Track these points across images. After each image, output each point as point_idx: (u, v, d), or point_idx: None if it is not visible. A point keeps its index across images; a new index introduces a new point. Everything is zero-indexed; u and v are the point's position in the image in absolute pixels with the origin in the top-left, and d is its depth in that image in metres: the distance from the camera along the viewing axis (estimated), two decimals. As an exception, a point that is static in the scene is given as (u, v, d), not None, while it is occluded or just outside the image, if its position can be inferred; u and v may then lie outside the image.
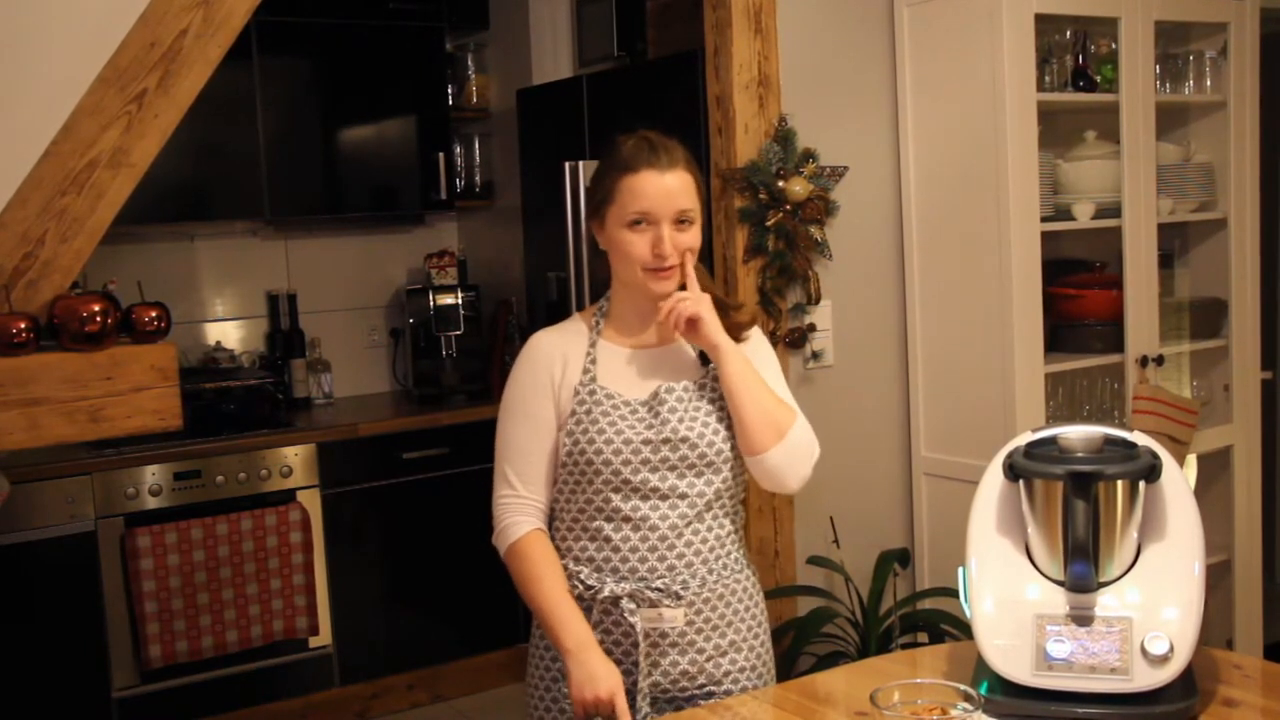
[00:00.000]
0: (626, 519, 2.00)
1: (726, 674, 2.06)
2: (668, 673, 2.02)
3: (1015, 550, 1.90)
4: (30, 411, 1.94)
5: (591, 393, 2.03)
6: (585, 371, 2.05)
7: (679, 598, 2.00)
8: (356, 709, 4.21)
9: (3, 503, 3.44)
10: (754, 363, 2.12)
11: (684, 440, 2.00)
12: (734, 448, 2.05)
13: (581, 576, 2.03)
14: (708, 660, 2.04)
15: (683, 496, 2.01)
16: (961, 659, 2.01)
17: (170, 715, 3.87)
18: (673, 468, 2.00)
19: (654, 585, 1.99)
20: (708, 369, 2.07)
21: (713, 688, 2.05)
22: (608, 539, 2.01)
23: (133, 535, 3.76)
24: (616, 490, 2.00)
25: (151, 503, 3.84)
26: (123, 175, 2.03)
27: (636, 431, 2.00)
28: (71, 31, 1.98)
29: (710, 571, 2.03)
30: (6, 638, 3.63)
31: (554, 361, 2.06)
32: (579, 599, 2.01)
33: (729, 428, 2.04)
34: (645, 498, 2.00)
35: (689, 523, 2.01)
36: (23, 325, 1.94)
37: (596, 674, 1.92)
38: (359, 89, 4.51)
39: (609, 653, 2.00)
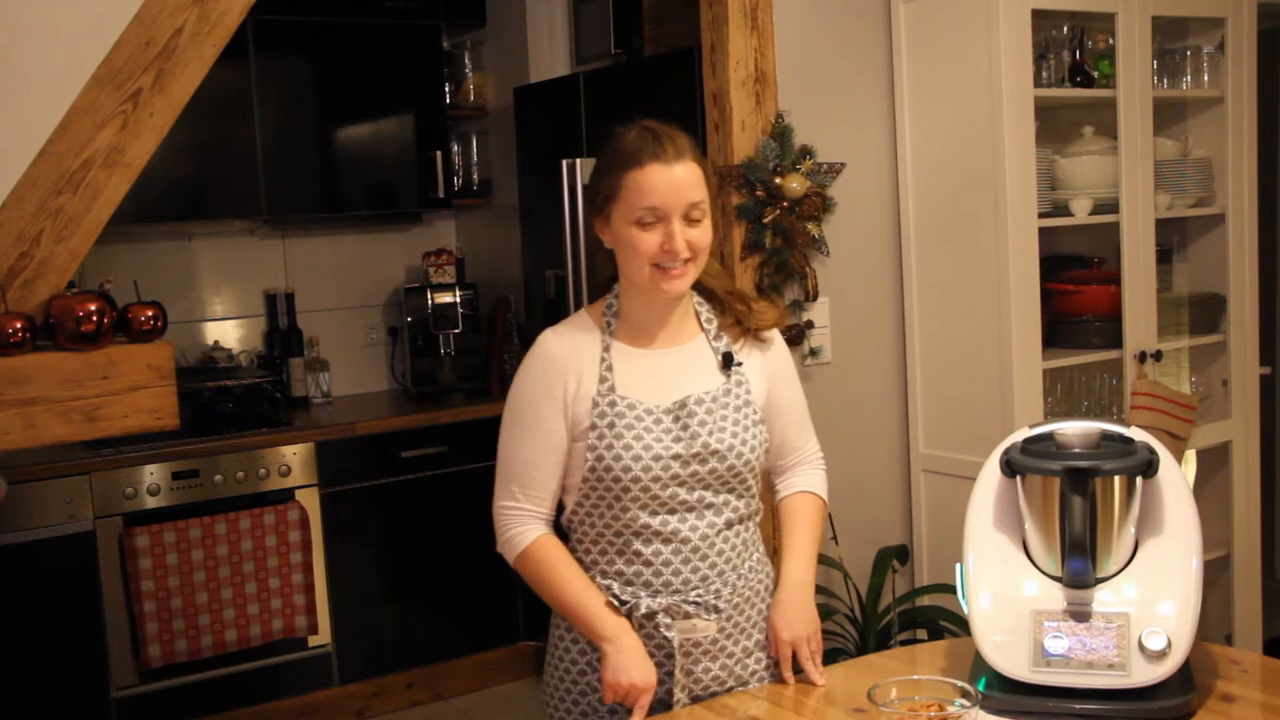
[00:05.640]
0: (656, 533, 1.95)
1: (753, 674, 2.05)
2: (699, 680, 2.00)
3: (1013, 546, 1.90)
4: (26, 411, 1.94)
5: (612, 404, 1.94)
6: (602, 380, 1.96)
7: (717, 610, 1.97)
8: (356, 708, 4.21)
9: (0, 502, 3.45)
10: (777, 378, 2.09)
11: (714, 453, 1.94)
12: (759, 459, 2.01)
13: (614, 591, 1.97)
14: (736, 664, 2.03)
15: (710, 507, 1.97)
16: (960, 655, 2.01)
17: (169, 715, 3.87)
18: (701, 480, 1.95)
19: (690, 599, 1.96)
20: (730, 374, 2.02)
21: (740, 689, 2.03)
22: (638, 553, 1.96)
23: (131, 535, 3.76)
24: (644, 506, 1.94)
25: (150, 502, 3.84)
26: (118, 174, 2.03)
27: (665, 445, 1.93)
28: (66, 31, 1.98)
29: (739, 578, 2.01)
30: (6, 638, 3.63)
31: (566, 372, 1.96)
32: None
33: (754, 438, 2.00)
34: (674, 511, 1.95)
35: (719, 532, 1.98)
36: (19, 325, 1.94)
37: (636, 662, 1.89)
38: (356, 87, 4.51)
39: None
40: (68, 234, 2.01)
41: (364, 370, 4.88)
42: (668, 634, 1.95)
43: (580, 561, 2.02)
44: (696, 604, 1.96)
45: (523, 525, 1.99)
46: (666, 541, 1.95)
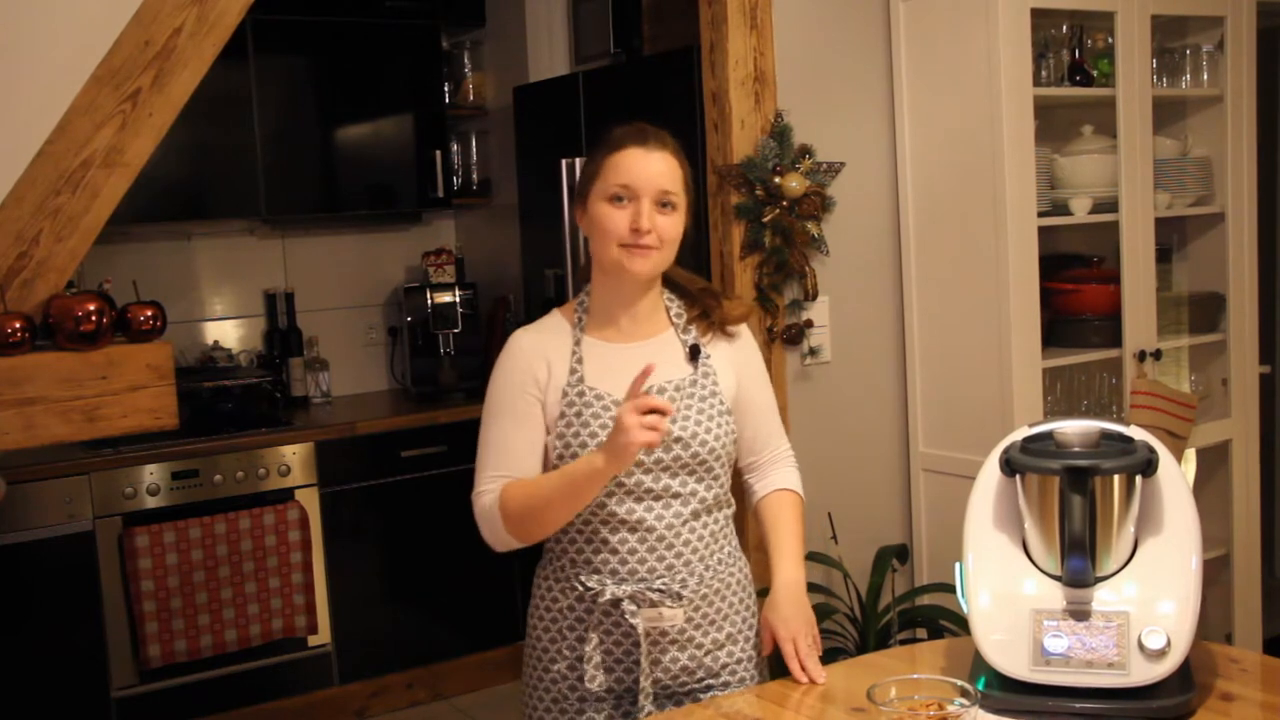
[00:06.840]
0: (623, 521, 1.98)
1: (724, 666, 2.07)
2: (668, 669, 2.02)
3: (1012, 545, 1.90)
4: (26, 411, 1.94)
5: (580, 394, 1.99)
6: (572, 372, 2.01)
7: (680, 598, 1.99)
8: (356, 707, 4.21)
9: (0, 502, 3.45)
10: (746, 374, 2.11)
11: (678, 440, 1.97)
12: (725, 448, 2.03)
13: (580, 579, 2.00)
14: (706, 655, 2.04)
15: (676, 496, 1.99)
16: (960, 654, 2.01)
17: (169, 715, 3.87)
18: (666, 468, 1.98)
19: (654, 586, 1.98)
20: (697, 365, 2.05)
21: (711, 680, 2.06)
22: (604, 541, 1.99)
23: (131, 535, 3.76)
24: (610, 494, 1.97)
25: (150, 502, 3.84)
26: (117, 174, 2.03)
27: None
28: (65, 31, 1.98)
29: (707, 568, 2.03)
30: (6, 638, 3.63)
31: (537, 363, 2.01)
32: (579, 600, 2.01)
33: (720, 427, 2.02)
34: (639, 499, 1.98)
35: (685, 521, 2.00)
36: (18, 325, 1.94)
37: (619, 425, 1.81)
38: (355, 87, 4.51)
39: (609, 653, 2.00)
40: (66, 234, 2.02)
41: (364, 370, 4.88)
42: (633, 621, 1.97)
43: (549, 551, 2.06)
44: (661, 592, 1.98)
45: (492, 494, 2.00)
46: (633, 530, 1.98)
